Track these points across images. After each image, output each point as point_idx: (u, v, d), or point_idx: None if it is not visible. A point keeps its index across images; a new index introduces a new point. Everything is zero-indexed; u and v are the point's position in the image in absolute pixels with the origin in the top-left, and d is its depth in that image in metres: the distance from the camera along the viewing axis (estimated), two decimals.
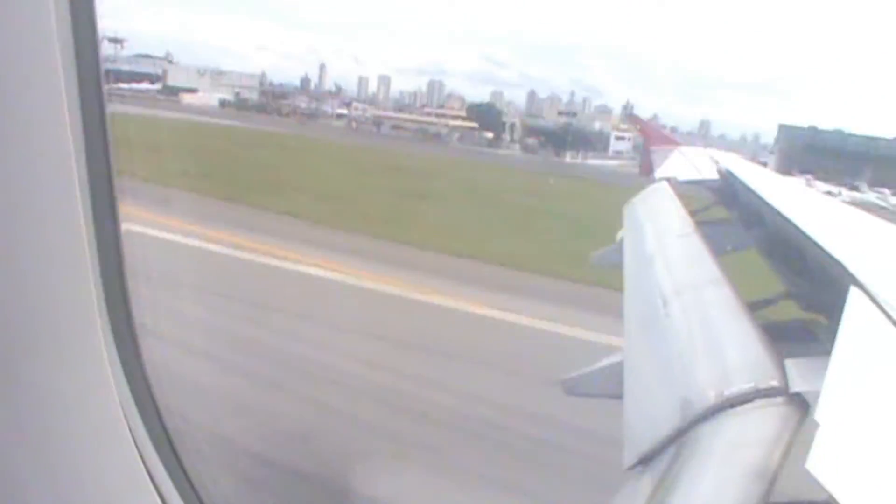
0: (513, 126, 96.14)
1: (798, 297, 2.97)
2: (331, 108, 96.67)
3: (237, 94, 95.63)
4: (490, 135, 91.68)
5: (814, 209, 3.97)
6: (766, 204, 3.69)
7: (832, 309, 2.00)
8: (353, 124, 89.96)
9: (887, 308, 1.83)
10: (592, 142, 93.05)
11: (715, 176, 5.45)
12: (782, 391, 1.66)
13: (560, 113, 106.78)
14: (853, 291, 1.94)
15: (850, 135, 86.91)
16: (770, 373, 1.74)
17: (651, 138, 9.64)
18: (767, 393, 1.66)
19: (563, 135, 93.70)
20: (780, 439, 1.48)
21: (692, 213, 4.30)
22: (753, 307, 2.57)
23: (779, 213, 3.38)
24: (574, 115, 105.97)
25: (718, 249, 3.25)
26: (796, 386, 1.67)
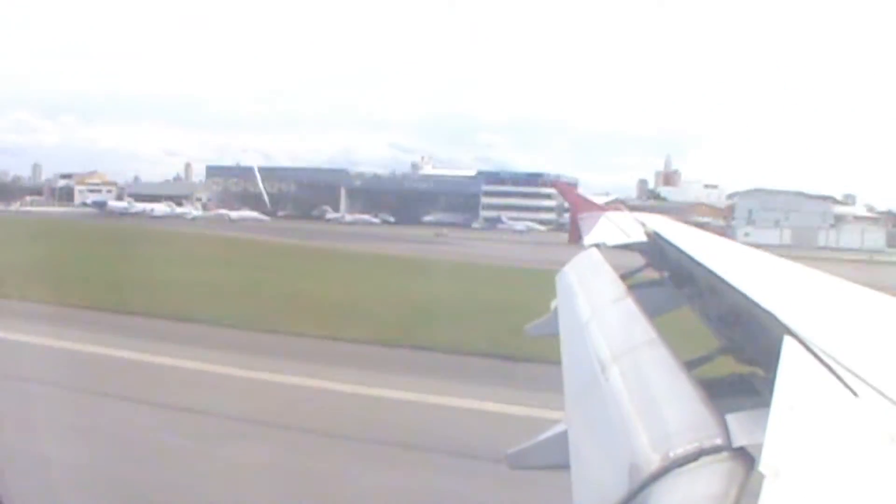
0: None
1: (734, 352, 2.99)
2: None
3: None
4: None
5: (741, 263, 4.04)
6: (694, 262, 3.74)
7: (768, 360, 2.01)
8: None
9: (821, 355, 1.84)
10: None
11: (643, 238, 5.51)
12: (726, 447, 1.65)
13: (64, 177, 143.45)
14: (787, 341, 1.95)
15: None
16: (712, 430, 1.73)
17: (577, 205, 9.72)
18: (711, 450, 1.65)
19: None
20: (727, 495, 1.47)
21: (624, 277, 4.34)
22: (691, 365, 2.57)
23: (707, 270, 3.42)
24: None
25: (652, 311, 3.27)
26: (739, 440, 1.66)
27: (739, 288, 2.78)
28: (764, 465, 1.42)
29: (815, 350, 1.88)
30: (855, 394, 1.66)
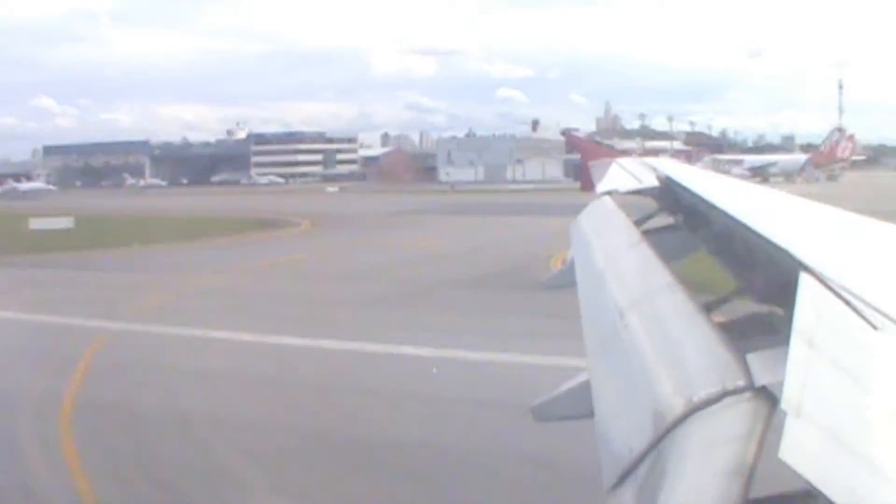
0: None
1: (752, 292, 2.99)
2: None
3: None
4: None
5: (754, 202, 4.02)
6: (707, 203, 3.73)
7: (786, 298, 2.01)
8: None
9: (837, 289, 1.85)
10: None
11: (655, 183, 5.48)
12: (748, 387, 1.66)
13: None
14: (803, 277, 1.96)
15: None
16: (734, 371, 1.74)
17: (587, 153, 9.65)
18: (734, 391, 1.66)
19: None
20: (751, 434, 1.48)
21: (637, 224, 4.33)
22: (710, 307, 2.58)
23: (721, 211, 3.41)
24: None
25: (668, 256, 3.27)
26: (761, 379, 1.67)
27: (753, 227, 2.77)
28: (785, 403, 1.43)
29: (832, 285, 1.88)
30: (874, 326, 1.66)
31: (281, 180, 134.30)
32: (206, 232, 48.35)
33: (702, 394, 1.70)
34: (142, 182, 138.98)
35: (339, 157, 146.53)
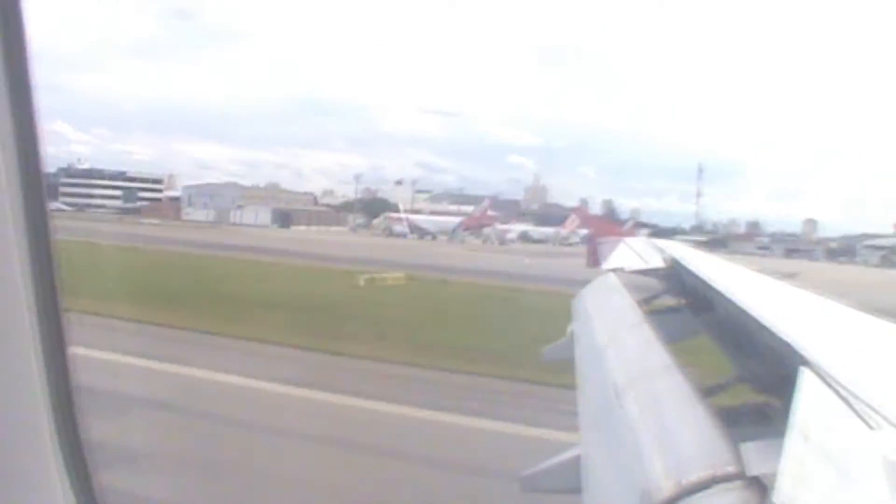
0: None
1: (750, 380, 2.98)
2: None
3: None
4: None
5: (759, 292, 4.02)
6: (713, 290, 3.73)
7: (784, 390, 2.00)
8: None
9: (837, 387, 1.84)
10: None
11: (661, 264, 5.49)
12: (739, 475, 1.64)
13: None
14: (803, 371, 1.95)
15: None
16: (726, 458, 1.72)
17: (597, 230, 9.69)
18: (725, 478, 1.64)
19: None
20: None
21: (641, 303, 4.33)
22: (707, 393, 2.57)
23: (726, 298, 3.40)
24: None
25: (669, 338, 3.26)
26: (753, 469, 1.66)
27: (757, 317, 2.77)
28: (777, 495, 1.42)
29: (831, 382, 1.87)
30: (869, 426, 1.65)
31: (67, 208, 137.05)
32: None
33: (692, 477, 1.68)
34: None
35: (145, 195, 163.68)
